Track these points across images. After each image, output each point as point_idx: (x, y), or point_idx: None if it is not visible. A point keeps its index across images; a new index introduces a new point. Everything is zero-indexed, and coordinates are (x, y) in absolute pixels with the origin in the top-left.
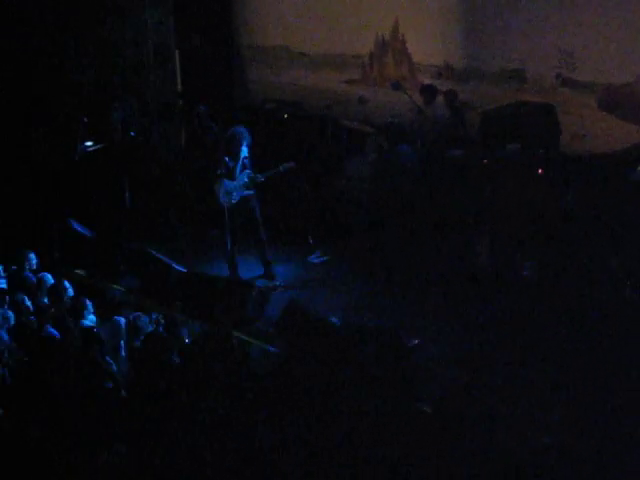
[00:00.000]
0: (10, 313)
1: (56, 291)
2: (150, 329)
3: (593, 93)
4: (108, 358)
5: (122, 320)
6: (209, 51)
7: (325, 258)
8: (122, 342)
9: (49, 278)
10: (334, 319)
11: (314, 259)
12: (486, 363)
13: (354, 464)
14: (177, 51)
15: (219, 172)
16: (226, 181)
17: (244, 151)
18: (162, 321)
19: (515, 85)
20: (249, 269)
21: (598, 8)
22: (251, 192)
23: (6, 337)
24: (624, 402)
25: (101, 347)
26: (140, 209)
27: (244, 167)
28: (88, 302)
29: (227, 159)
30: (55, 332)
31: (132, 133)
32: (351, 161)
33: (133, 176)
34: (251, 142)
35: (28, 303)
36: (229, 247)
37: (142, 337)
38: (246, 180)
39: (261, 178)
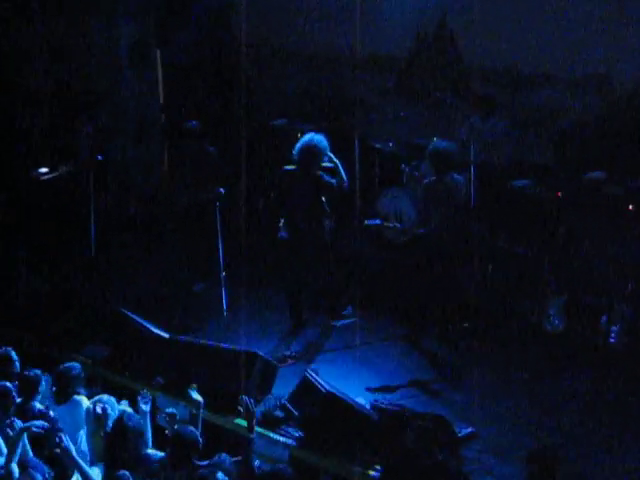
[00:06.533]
0: None
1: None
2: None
3: None
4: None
5: (84, 402)
6: (199, 51)
7: (351, 320)
8: (83, 431)
9: None
10: (362, 400)
11: (337, 321)
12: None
13: None
14: (158, 51)
15: None
16: None
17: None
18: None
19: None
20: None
21: None
22: None
23: None
24: None
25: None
26: (110, 256)
27: None
28: (42, 377)
29: None
30: None
31: (100, 156)
32: (385, 195)
33: (100, 212)
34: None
35: None
36: None
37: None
38: None
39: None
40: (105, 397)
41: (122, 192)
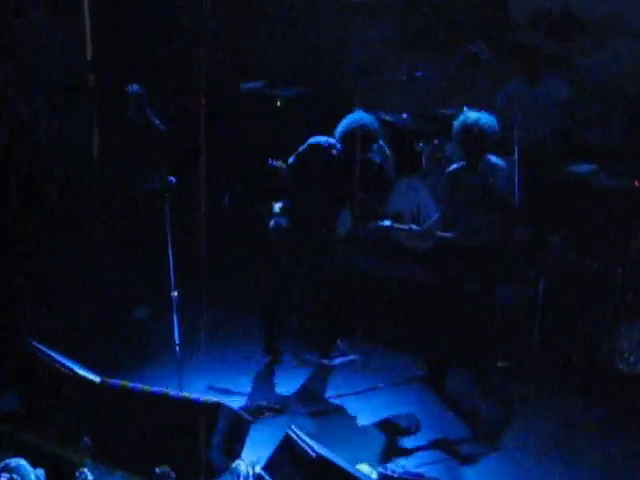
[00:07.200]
0: None
1: None
2: None
3: None
4: None
5: None
6: None
7: (351, 358)
8: None
9: None
10: (365, 467)
11: (332, 360)
12: None
13: None
14: None
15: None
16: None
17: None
18: None
19: None
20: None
21: None
22: None
23: None
24: None
25: None
26: (19, 268)
27: None
28: None
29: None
30: None
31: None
32: (398, 186)
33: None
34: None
35: None
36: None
37: None
38: None
39: None
40: (14, 462)
41: (36, 180)
